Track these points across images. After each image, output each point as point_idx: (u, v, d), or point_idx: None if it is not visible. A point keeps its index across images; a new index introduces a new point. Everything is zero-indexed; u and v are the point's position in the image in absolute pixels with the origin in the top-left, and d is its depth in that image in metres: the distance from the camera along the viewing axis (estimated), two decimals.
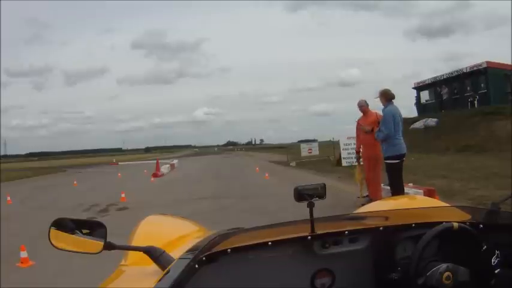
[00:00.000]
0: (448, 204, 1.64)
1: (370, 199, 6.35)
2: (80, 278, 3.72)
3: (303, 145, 22.20)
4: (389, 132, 5.79)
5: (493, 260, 1.11)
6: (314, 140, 24.60)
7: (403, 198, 2.52)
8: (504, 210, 1.32)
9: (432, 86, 27.64)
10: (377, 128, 6.13)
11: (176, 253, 1.10)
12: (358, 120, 6.98)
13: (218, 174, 17.59)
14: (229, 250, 1.03)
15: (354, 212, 1.77)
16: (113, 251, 1.14)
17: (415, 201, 1.94)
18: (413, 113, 27.48)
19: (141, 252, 1.13)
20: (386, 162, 5.94)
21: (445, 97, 25.84)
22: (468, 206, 1.79)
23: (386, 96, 6.01)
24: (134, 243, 1.32)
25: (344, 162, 14.47)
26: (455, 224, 1.09)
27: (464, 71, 24.90)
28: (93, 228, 1.18)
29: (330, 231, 1.14)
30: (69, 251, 1.17)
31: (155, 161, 21.48)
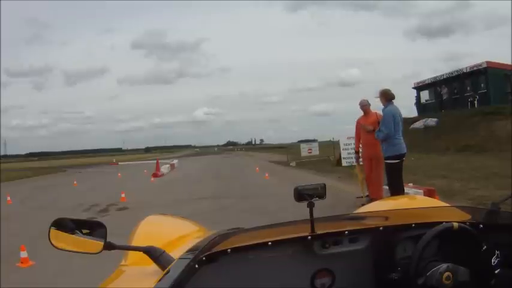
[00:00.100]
0: (448, 204, 1.64)
1: (370, 199, 6.35)
2: (80, 278, 3.73)
3: (303, 145, 22.20)
4: (389, 132, 5.79)
5: (493, 260, 1.11)
6: (314, 140, 24.62)
7: (403, 198, 2.52)
8: (504, 210, 1.32)
9: (432, 86, 27.66)
10: (377, 127, 6.14)
11: (176, 253, 1.10)
12: (359, 119, 6.98)
13: (218, 174, 17.59)
14: (229, 250, 1.03)
15: (354, 212, 1.77)
16: (113, 251, 1.14)
17: (415, 201, 1.95)
18: (413, 113, 27.54)
19: (141, 252, 1.13)
20: (386, 162, 5.94)
21: (445, 97, 25.85)
22: (468, 206, 1.79)
23: (387, 96, 6.01)
24: (134, 243, 1.32)
25: (344, 162, 14.47)
26: (455, 224, 1.09)
27: (464, 71, 24.91)
28: (93, 228, 1.18)
29: (330, 231, 1.14)
30: (69, 251, 1.17)
31: (155, 161, 21.48)
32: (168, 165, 22.44)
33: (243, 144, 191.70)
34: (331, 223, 1.31)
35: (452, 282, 1.02)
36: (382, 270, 1.13)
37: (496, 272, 1.11)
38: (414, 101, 28.96)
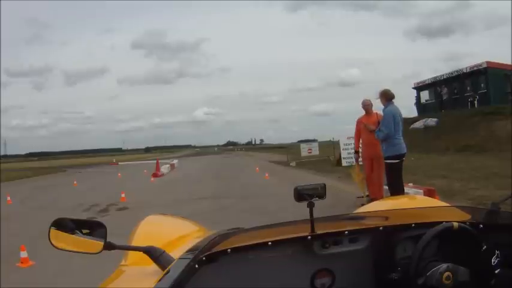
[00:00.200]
0: (448, 204, 1.64)
1: (370, 199, 6.35)
2: (80, 278, 3.73)
3: (303, 145, 22.19)
4: (390, 132, 5.79)
5: (493, 260, 1.11)
6: (314, 140, 24.61)
7: (403, 198, 2.53)
8: (504, 210, 1.32)
9: (432, 86, 27.65)
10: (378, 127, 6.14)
11: (176, 253, 1.10)
12: (360, 118, 6.96)
13: (218, 174, 17.59)
14: (229, 250, 1.03)
15: (354, 212, 1.77)
16: (113, 251, 1.14)
17: (415, 201, 1.95)
18: (413, 113, 27.54)
19: (141, 252, 1.13)
20: (386, 162, 5.93)
21: (445, 97, 25.85)
22: (468, 206, 1.79)
23: (387, 96, 6.01)
24: (134, 243, 1.32)
25: (344, 162, 14.46)
26: (455, 224, 1.09)
27: (464, 71, 24.91)
28: (93, 228, 1.18)
29: (330, 231, 1.14)
30: (69, 251, 1.17)
31: (155, 161, 21.48)
32: (168, 165, 22.43)
33: (243, 144, 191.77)
34: (331, 223, 1.31)
35: (452, 282, 1.02)
36: (382, 270, 1.13)
37: (496, 272, 1.11)
38: (414, 101, 29.01)
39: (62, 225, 1.18)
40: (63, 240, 1.16)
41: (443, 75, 26.85)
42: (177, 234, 1.51)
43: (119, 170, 26.38)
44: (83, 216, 7.47)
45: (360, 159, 7.31)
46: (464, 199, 6.50)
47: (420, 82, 29.22)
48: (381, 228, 1.16)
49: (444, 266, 1.03)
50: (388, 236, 1.15)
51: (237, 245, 1.06)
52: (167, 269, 1.00)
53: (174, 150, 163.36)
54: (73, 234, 1.16)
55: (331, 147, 19.15)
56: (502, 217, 1.29)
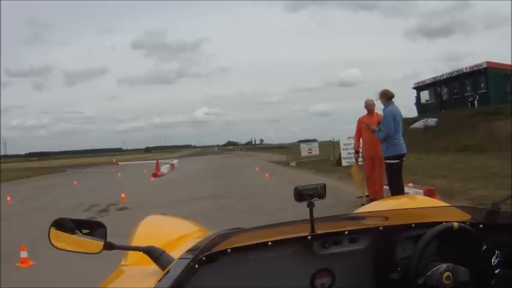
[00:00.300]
0: (448, 204, 1.64)
1: (370, 199, 6.35)
2: (80, 278, 3.73)
3: (303, 145, 22.20)
4: (390, 132, 5.79)
5: (493, 260, 1.11)
6: (314, 140, 24.60)
7: (403, 198, 2.52)
8: (504, 210, 1.32)
9: (432, 86, 27.65)
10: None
11: (176, 253, 1.10)
12: (362, 118, 6.95)
13: (218, 174, 17.59)
14: (229, 250, 1.03)
15: (354, 212, 1.77)
16: (113, 251, 1.14)
17: (415, 201, 1.94)
18: (413, 113, 27.53)
19: (141, 252, 1.13)
20: (386, 162, 5.93)
21: (445, 97, 25.85)
22: (468, 206, 1.79)
23: (386, 96, 6.02)
24: (134, 243, 1.32)
25: (344, 162, 14.46)
26: (455, 224, 1.09)
27: (464, 71, 24.91)
28: (93, 228, 1.18)
29: (330, 231, 1.14)
30: (69, 251, 1.17)
31: (155, 161, 21.49)
32: (168, 165, 22.44)
33: (243, 144, 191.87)
34: (331, 223, 1.31)
35: (452, 282, 1.02)
36: (382, 270, 1.13)
37: (496, 272, 1.11)
38: (414, 101, 29.01)
39: (62, 225, 1.18)
40: (63, 240, 1.16)
41: (443, 75, 26.85)
42: (177, 234, 1.51)
43: (119, 170, 26.38)
44: (83, 216, 7.47)
45: (360, 159, 7.31)
46: (464, 199, 6.50)
47: (420, 82, 29.22)
48: (381, 228, 1.16)
49: (444, 266, 1.03)
50: (388, 236, 1.15)
51: (237, 245, 1.06)
52: (167, 269, 1.00)
53: (174, 150, 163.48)
54: (73, 234, 1.16)
55: (331, 147, 19.15)
56: (502, 217, 1.29)
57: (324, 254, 1.12)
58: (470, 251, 1.09)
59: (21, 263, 4.59)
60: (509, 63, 21.79)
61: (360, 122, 6.96)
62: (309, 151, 20.80)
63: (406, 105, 30.12)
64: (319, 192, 1.18)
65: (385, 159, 5.93)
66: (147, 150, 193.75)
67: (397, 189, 5.61)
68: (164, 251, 1.12)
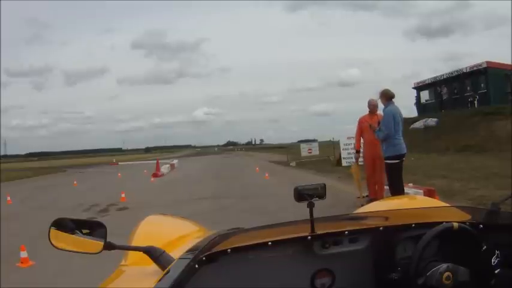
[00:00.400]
0: (448, 204, 1.64)
1: (370, 199, 6.34)
2: (80, 278, 3.73)
3: (303, 145, 22.21)
4: (389, 132, 5.78)
5: (493, 260, 1.11)
6: (314, 140, 24.60)
7: (403, 198, 2.53)
8: (504, 210, 1.32)
9: (432, 86, 27.66)
10: None
11: (176, 253, 1.10)
12: (363, 118, 6.94)
13: (218, 174, 17.59)
14: (229, 250, 1.03)
15: (354, 212, 1.77)
16: (113, 251, 1.14)
17: (415, 201, 1.95)
18: (413, 113, 27.54)
19: (141, 252, 1.13)
20: (386, 162, 5.93)
21: (445, 97, 25.86)
22: (468, 206, 1.79)
23: (387, 96, 6.01)
24: (134, 243, 1.32)
25: (344, 162, 14.46)
26: (455, 224, 1.09)
27: (464, 71, 24.92)
28: (93, 228, 1.18)
29: (330, 231, 1.14)
30: (69, 251, 1.17)
31: (155, 161, 21.50)
32: (168, 165, 22.44)
33: (243, 144, 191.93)
34: (331, 223, 1.31)
35: (452, 282, 1.02)
36: (382, 270, 1.13)
37: (496, 272, 1.11)
38: (414, 101, 29.01)
39: (62, 225, 1.18)
40: (63, 240, 1.16)
41: (443, 75, 26.85)
42: (177, 234, 1.51)
43: (119, 170, 26.39)
44: (83, 216, 7.47)
45: (361, 159, 7.31)
46: (464, 199, 6.50)
47: (420, 82, 29.23)
48: (381, 228, 1.16)
49: (444, 266, 1.03)
50: (388, 236, 1.15)
51: (237, 245, 1.06)
52: (167, 269, 1.00)
53: (174, 150, 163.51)
54: (73, 234, 1.16)
55: (331, 147, 19.16)
56: (502, 217, 1.29)
57: (324, 254, 1.12)
58: (470, 251, 1.09)
59: (21, 263, 4.59)
60: (509, 63, 21.80)
61: (362, 121, 6.95)
62: (309, 151, 20.80)
63: (406, 105, 30.14)
64: (319, 192, 1.18)
65: (385, 159, 5.92)
66: (147, 150, 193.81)
67: (397, 189, 5.61)
68: (164, 251, 1.12)
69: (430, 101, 27.90)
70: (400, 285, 1.08)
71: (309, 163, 18.77)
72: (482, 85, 23.68)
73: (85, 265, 3.67)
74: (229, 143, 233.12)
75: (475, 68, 24.12)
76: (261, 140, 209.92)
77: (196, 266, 0.98)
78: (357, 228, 1.21)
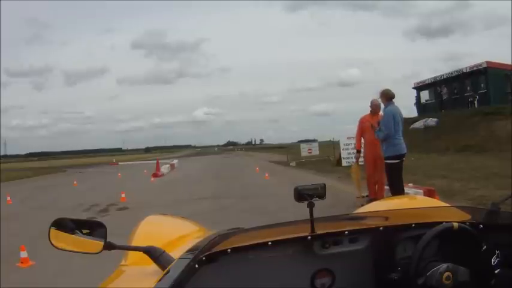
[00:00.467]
0: (448, 204, 1.64)
1: (370, 199, 6.34)
2: (80, 278, 3.73)
3: (303, 145, 22.22)
4: (389, 132, 5.78)
5: (493, 260, 1.11)
6: (314, 140, 24.61)
7: (403, 198, 2.53)
8: (504, 210, 1.32)
9: (432, 86, 27.67)
10: None
11: (176, 253, 1.10)
12: (365, 117, 6.93)
13: (218, 174, 17.59)
14: (229, 250, 1.03)
15: (354, 212, 1.77)
16: (113, 251, 1.14)
17: (415, 201, 1.95)
18: (413, 113, 27.54)
19: (141, 252, 1.13)
20: (386, 162, 5.93)
21: (445, 97, 25.87)
22: (468, 206, 1.79)
23: (387, 96, 6.01)
24: (134, 243, 1.32)
25: (344, 162, 14.47)
26: (455, 224, 1.09)
27: (464, 71, 24.92)
28: (93, 228, 1.18)
29: (330, 231, 1.14)
30: (69, 251, 1.17)
31: (155, 161, 21.49)
32: (168, 165, 22.44)
33: (243, 144, 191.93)
34: (331, 223, 1.31)
35: (452, 282, 1.02)
36: (382, 270, 1.13)
37: (496, 272, 1.11)
38: (414, 101, 29.02)
39: (62, 225, 1.18)
40: (63, 240, 1.16)
41: (443, 75, 26.86)
42: (177, 234, 1.51)
43: (119, 170, 26.39)
44: (83, 216, 7.47)
45: (361, 158, 7.30)
46: (464, 199, 6.50)
47: (420, 82, 29.23)
48: (381, 228, 1.16)
49: (444, 266, 1.03)
50: (388, 236, 1.15)
51: (237, 245, 1.06)
52: (167, 269, 1.00)
53: (174, 150, 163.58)
54: (73, 234, 1.16)
55: (331, 147, 19.17)
56: (502, 217, 1.29)
57: (324, 254, 1.12)
58: (470, 251, 1.09)
59: (21, 263, 4.59)
60: (509, 63, 21.81)
61: (363, 121, 6.94)
62: (309, 151, 20.81)
63: (406, 105, 30.12)
64: (319, 192, 1.18)
65: (385, 159, 5.92)
66: (147, 150, 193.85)
67: (397, 189, 5.60)
68: (164, 251, 1.12)
69: (430, 101, 27.90)
70: (400, 285, 1.08)
71: (309, 163, 18.77)
72: (482, 85, 23.68)
73: (85, 265, 3.67)
74: (229, 143, 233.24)
75: (475, 68, 24.12)
76: (261, 140, 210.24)
77: (196, 266, 0.98)
78: (357, 228, 1.21)
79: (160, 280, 0.93)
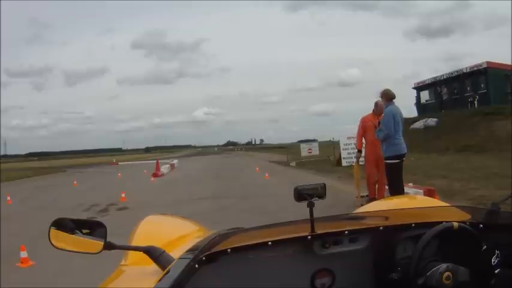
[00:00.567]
0: (448, 204, 1.64)
1: (370, 199, 6.34)
2: (80, 278, 3.73)
3: (303, 145, 22.23)
4: (389, 132, 5.78)
5: (493, 260, 1.11)
6: (314, 140, 24.64)
7: (403, 198, 2.53)
8: (504, 210, 1.32)
9: (432, 86, 27.68)
10: None
11: (176, 253, 1.10)
12: (366, 117, 6.91)
13: (218, 174, 17.59)
14: (229, 250, 1.03)
15: (354, 212, 1.77)
16: (113, 251, 1.14)
17: (415, 201, 1.95)
18: (413, 113, 27.56)
19: (141, 252, 1.13)
20: (386, 162, 5.92)
21: (445, 97, 25.88)
22: (468, 206, 1.79)
23: (387, 96, 6.01)
24: (134, 243, 1.32)
25: (344, 162, 14.41)
26: (455, 224, 1.08)
27: (464, 71, 24.94)
28: (93, 228, 1.18)
29: (330, 231, 1.14)
30: (69, 251, 1.17)
31: (155, 161, 21.50)
32: (168, 165, 22.45)
33: (243, 144, 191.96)
34: (331, 223, 1.31)
35: (452, 282, 1.02)
36: (382, 270, 1.13)
37: (496, 272, 1.11)
38: (414, 101, 29.03)
39: (62, 225, 1.18)
40: (63, 240, 1.16)
41: (443, 75, 26.87)
42: (177, 234, 1.51)
43: (119, 170, 26.40)
44: (83, 216, 7.47)
45: (361, 158, 7.29)
46: (464, 199, 6.50)
47: (420, 82, 29.24)
48: (381, 228, 1.16)
49: (444, 266, 1.03)
50: (388, 236, 1.15)
51: (237, 245, 1.06)
52: (167, 269, 1.00)
53: (174, 150, 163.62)
54: (73, 234, 1.16)
55: (331, 147, 19.16)
56: (502, 217, 1.29)
57: (324, 254, 1.12)
58: (470, 251, 1.09)
59: (21, 263, 4.59)
60: (509, 63, 21.83)
61: (365, 121, 6.92)
62: (309, 151, 20.82)
63: (406, 105, 30.14)
64: (319, 192, 1.18)
65: (385, 159, 5.91)
66: (147, 150, 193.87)
67: (397, 189, 5.60)
68: (164, 251, 1.12)
69: (430, 101, 27.91)
70: (400, 285, 1.08)
71: (309, 163, 18.78)
72: (482, 85, 23.69)
73: (85, 265, 3.67)
74: (229, 143, 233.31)
75: (475, 68, 24.13)
76: (261, 140, 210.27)
77: (196, 265, 0.98)
78: (357, 228, 1.21)
79: (160, 280, 0.93)
